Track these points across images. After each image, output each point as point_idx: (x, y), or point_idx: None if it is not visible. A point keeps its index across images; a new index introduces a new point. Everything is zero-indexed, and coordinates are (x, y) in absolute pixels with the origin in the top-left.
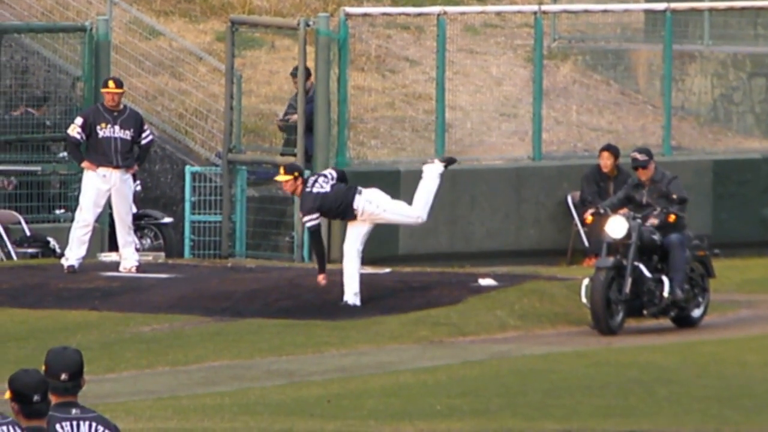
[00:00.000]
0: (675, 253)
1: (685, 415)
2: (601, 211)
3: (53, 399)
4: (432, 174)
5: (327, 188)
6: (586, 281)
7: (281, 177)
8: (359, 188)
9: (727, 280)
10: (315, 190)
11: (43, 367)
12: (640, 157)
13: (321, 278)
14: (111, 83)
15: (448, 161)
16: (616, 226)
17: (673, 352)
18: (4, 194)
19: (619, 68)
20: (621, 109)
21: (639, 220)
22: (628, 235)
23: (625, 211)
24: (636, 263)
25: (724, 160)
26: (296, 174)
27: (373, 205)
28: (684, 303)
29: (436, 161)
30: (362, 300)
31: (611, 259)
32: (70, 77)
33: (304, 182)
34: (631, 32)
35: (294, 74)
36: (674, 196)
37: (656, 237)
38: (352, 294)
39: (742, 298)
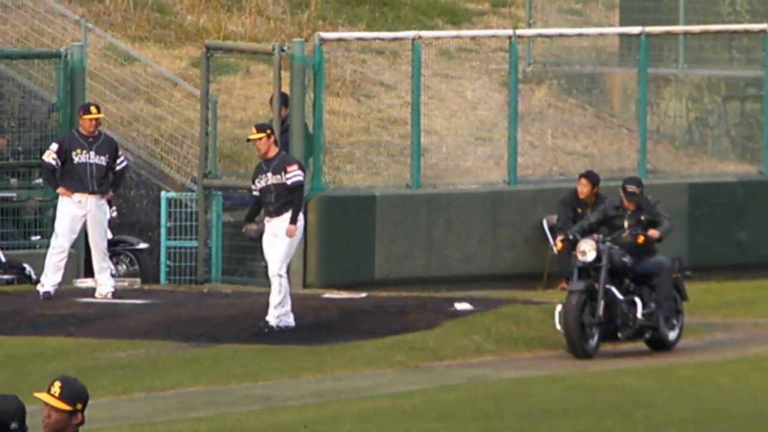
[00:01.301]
0: (664, 279)
1: None
2: (570, 237)
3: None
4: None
5: None
6: (558, 308)
7: (254, 135)
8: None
9: (703, 303)
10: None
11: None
12: (638, 191)
13: (291, 228)
14: (93, 109)
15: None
16: (587, 250)
17: (649, 376)
18: None
19: (594, 92)
20: (596, 133)
21: (609, 243)
22: (599, 259)
23: (595, 234)
24: (608, 286)
25: (700, 184)
26: (269, 132)
27: (292, 225)
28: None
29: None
30: (336, 324)
31: (583, 283)
32: (46, 103)
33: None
34: (605, 56)
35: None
36: (661, 229)
37: (626, 260)
38: (275, 316)
39: (718, 321)
